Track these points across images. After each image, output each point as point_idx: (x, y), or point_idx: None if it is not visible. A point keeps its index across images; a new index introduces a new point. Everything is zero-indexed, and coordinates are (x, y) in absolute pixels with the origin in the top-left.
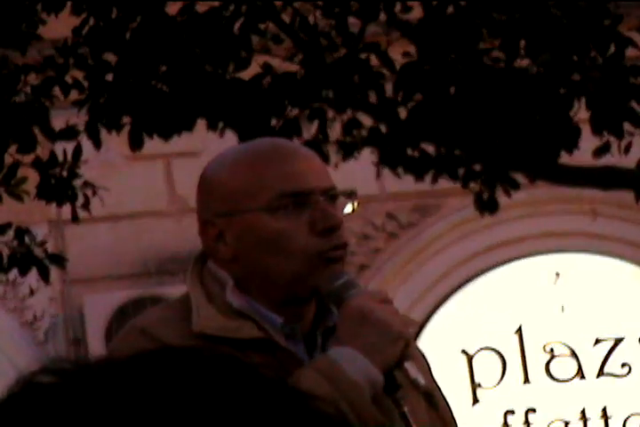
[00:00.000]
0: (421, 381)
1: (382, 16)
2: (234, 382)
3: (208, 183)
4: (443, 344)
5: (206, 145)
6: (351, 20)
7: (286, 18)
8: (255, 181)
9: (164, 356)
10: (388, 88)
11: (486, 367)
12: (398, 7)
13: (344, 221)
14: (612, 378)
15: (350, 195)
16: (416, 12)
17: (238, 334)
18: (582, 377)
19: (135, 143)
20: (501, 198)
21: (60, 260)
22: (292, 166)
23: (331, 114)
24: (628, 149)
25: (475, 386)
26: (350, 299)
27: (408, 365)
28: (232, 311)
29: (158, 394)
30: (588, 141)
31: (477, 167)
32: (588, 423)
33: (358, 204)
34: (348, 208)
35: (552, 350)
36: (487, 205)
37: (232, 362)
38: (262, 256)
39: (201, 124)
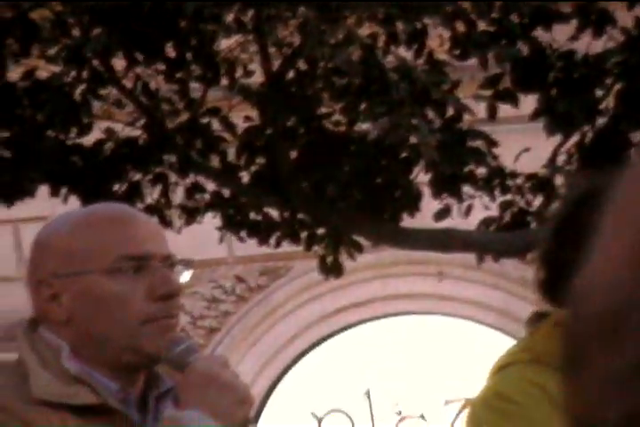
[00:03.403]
0: None
1: (224, 81)
2: None
3: (45, 244)
4: (292, 407)
5: (54, 210)
6: (193, 84)
7: (128, 83)
8: (96, 242)
9: None
10: (231, 152)
11: None
12: (239, 72)
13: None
14: None
15: (187, 264)
16: (257, 77)
17: (75, 400)
18: None
19: None
20: (349, 261)
21: None
22: (134, 230)
23: (173, 178)
24: (468, 212)
25: None
26: (194, 363)
27: None
28: (68, 377)
29: None
30: (430, 204)
31: (321, 230)
32: None
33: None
34: (185, 277)
35: (400, 412)
36: (332, 269)
37: None
38: (97, 320)
39: (46, 189)
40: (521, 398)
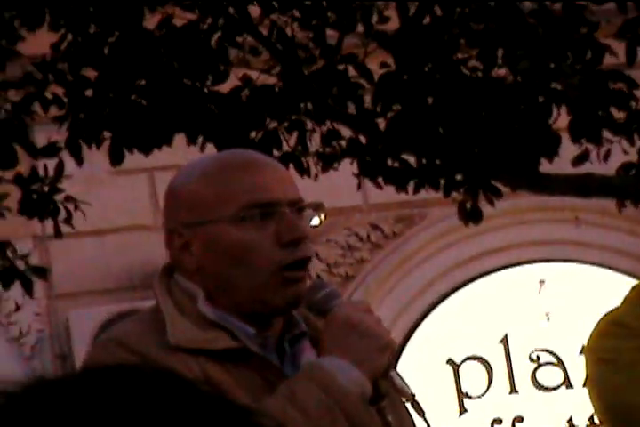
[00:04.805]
0: (408, 389)
1: (359, 27)
2: (171, 399)
3: (175, 193)
4: (429, 354)
5: (189, 158)
6: (329, 31)
7: (264, 30)
8: (223, 191)
9: (104, 376)
10: (367, 99)
11: (473, 377)
12: (375, 18)
13: (328, 234)
14: None
15: (317, 208)
16: (393, 23)
17: (214, 345)
18: (569, 386)
19: (115, 158)
20: (485, 208)
21: (42, 272)
22: (260, 177)
23: (310, 125)
24: (607, 157)
25: (461, 396)
26: (336, 309)
27: (393, 373)
28: (206, 322)
29: (96, 415)
30: (568, 149)
31: (459, 177)
32: None
33: (325, 216)
34: (315, 221)
35: (538, 358)
36: (471, 215)
37: (171, 379)
38: (226, 267)
39: (182, 137)
40: (631, 321)
